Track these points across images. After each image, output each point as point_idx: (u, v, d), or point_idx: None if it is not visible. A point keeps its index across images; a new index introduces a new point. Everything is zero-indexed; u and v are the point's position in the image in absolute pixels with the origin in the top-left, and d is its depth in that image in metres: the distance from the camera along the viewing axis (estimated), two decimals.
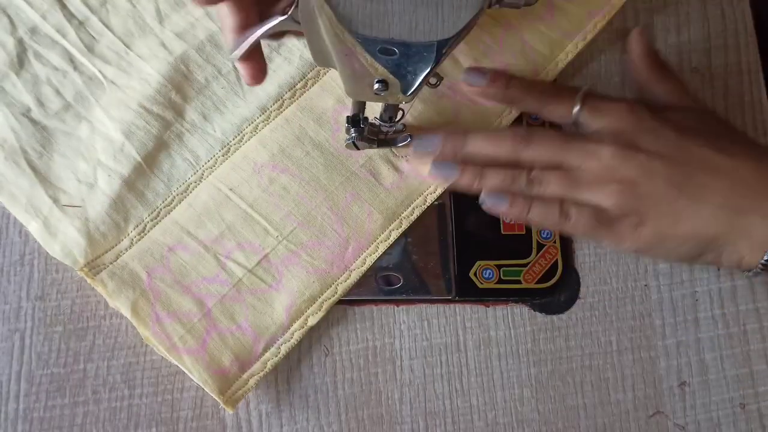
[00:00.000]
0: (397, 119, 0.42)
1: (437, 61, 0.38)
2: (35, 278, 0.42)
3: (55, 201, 0.42)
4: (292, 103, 0.45)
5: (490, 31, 0.47)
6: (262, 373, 0.40)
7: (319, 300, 0.42)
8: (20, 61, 0.44)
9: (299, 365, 0.42)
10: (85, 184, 0.43)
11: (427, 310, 0.44)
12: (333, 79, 0.46)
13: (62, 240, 0.41)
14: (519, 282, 0.44)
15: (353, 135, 0.42)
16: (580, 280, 0.44)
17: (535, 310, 0.44)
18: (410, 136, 0.44)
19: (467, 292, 0.44)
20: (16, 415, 0.40)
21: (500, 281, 0.44)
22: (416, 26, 0.34)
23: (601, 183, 0.40)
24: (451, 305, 0.44)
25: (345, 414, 0.42)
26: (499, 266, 0.44)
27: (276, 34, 0.39)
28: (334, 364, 0.42)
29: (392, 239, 0.43)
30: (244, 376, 0.40)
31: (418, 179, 0.44)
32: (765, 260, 0.38)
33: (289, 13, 0.37)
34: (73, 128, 0.44)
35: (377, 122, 0.43)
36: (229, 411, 0.39)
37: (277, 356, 0.41)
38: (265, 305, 0.42)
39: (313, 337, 0.43)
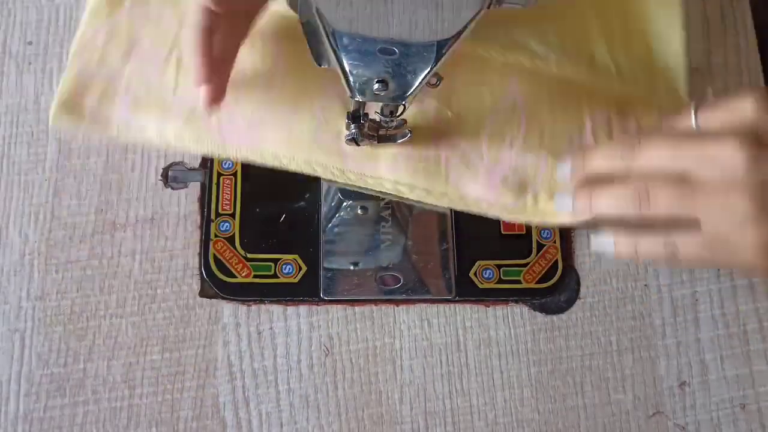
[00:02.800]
0: (398, 114, 0.42)
1: (437, 61, 0.38)
2: (35, 278, 0.42)
3: None
4: None
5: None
6: None
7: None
8: None
9: (299, 365, 0.42)
10: None
11: (427, 310, 0.44)
12: None
13: None
14: (519, 282, 0.44)
15: (353, 131, 0.42)
16: (580, 280, 0.44)
17: (535, 310, 0.44)
18: (410, 131, 0.44)
19: (467, 292, 0.44)
20: (16, 415, 0.40)
21: (500, 281, 0.44)
22: (416, 26, 0.34)
23: (727, 194, 0.33)
24: (451, 305, 0.44)
25: (345, 414, 0.42)
26: (499, 266, 0.44)
27: None
28: (334, 364, 0.42)
29: (290, 168, 0.42)
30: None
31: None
32: None
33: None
34: None
35: (378, 117, 0.43)
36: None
37: None
38: None
39: (313, 337, 0.43)
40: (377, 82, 0.37)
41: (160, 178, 0.45)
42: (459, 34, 0.36)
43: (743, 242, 0.33)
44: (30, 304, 0.42)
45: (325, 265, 0.43)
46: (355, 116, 0.42)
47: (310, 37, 0.37)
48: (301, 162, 0.42)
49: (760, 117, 0.33)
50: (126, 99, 0.42)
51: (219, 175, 0.45)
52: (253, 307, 0.43)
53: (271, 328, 0.43)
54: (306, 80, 0.43)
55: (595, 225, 0.37)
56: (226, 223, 0.44)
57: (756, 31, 0.49)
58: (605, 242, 0.37)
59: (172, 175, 0.45)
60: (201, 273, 0.43)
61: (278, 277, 0.43)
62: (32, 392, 0.41)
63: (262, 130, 0.43)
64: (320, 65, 0.39)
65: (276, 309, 0.43)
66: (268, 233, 0.44)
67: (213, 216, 0.44)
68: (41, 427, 0.40)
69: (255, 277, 0.43)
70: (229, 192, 0.45)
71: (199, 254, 0.44)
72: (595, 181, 0.37)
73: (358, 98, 0.40)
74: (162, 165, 0.45)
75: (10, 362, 0.41)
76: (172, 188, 0.45)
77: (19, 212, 0.44)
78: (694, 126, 0.35)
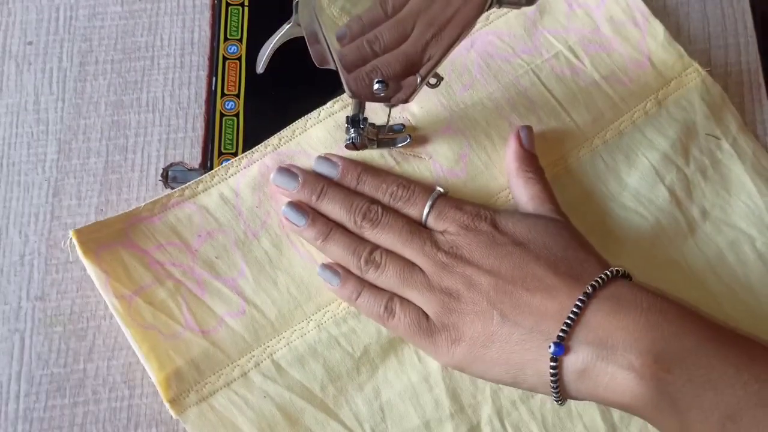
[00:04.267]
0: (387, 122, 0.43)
1: (437, 62, 0.38)
2: (35, 278, 0.42)
3: None
4: None
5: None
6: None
7: None
8: None
9: None
10: None
11: None
12: None
13: None
14: None
15: (353, 135, 0.42)
16: None
17: None
18: (410, 136, 0.44)
19: None
20: (16, 416, 0.40)
21: None
22: None
23: (428, 289, 0.39)
24: None
25: None
26: None
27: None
28: None
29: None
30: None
31: None
32: (555, 392, 0.36)
33: (293, 20, 0.37)
34: None
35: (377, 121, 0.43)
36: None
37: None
38: None
39: None
40: (377, 82, 0.37)
41: (159, 178, 0.45)
42: (459, 34, 0.36)
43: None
44: (30, 304, 0.42)
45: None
46: (355, 120, 0.42)
47: (310, 39, 0.37)
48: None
49: (468, 234, 0.40)
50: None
51: None
52: None
53: None
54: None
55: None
56: None
57: (756, 30, 0.49)
58: (331, 276, 0.41)
59: (171, 175, 0.45)
60: None
61: None
62: (32, 392, 0.41)
63: None
64: (321, 67, 0.39)
65: None
66: None
67: None
68: (41, 427, 0.40)
69: None
70: None
71: None
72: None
73: (358, 99, 0.40)
74: (162, 165, 0.45)
75: (10, 362, 0.41)
76: (172, 188, 0.45)
77: (19, 212, 0.44)
78: (423, 215, 0.41)
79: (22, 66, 0.47)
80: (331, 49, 0.37)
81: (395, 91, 0.38)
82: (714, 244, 0.44)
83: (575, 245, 0.39)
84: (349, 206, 0.41)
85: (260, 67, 0.40)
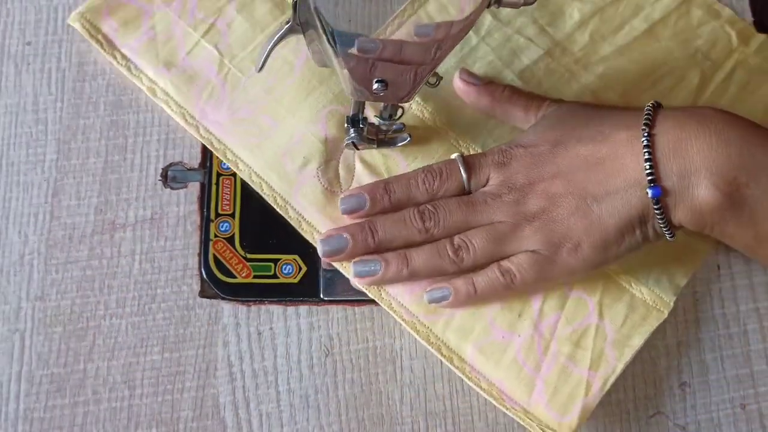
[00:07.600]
0: (396, 117, 0.42)
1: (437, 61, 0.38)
2: (35, 278, 0.42)
3: None
4: None
5: None
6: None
7: None
8: None
9: (299, 365, 0.42)
10: None
11: None
12: None
13: None
14: None
15: (353, 135, 0.42)
16: None
17: None
18: (410, 135, 0.44)
19: None
20: (16, 416, 0.40)
21: None
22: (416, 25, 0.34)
23: (519, 228, 0.39)
24: None
25: (345, 414, 0.42)
26: None
27: None
28: (334, 365, 0.42)
29: (239, 174, 0.44)
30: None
31: None
32: (667, 231, 0.38)
33: (292, 19, 0.37)
34: None
35: (377, 121, 0.43)
36: None
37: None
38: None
39: (313, 337, 0.43)
40: (377, 81, 0.37)
41: (159, 178, 0.45)
42: (459, 33, 0.36)
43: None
44: (30, 304, 0.42)
45: (325, 266, 0.43)
46: (354, 120, 0.42)
47: (309, 36, 0.37)
48: (251, 172, 0.43)
49: (508, 166, 0.40)
50: (142, 38, 0.45)
51: (219, 175, 0.45)
52: (253, 308, 0.43)
53: (271, 329, 0.43)
54: (303, 104, 0.44)
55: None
56: (226, 224, 0.44)
57: (756, 30, 0.49)
58: (441, 294, 0.41)
59: (171, 175, 0.45)
60: (201, 273, 0.43)
61: (278, 278, 0.43)
62: (32, 392, 0.41)
63: (236, 126, 0.43)
64: (320, 65, 0.39)
65: (276, 309, 0.43)
66: (268, 233, 0.44)
67: (212, 216, 0.44)
68: (41, 427, 0.40)
69: (255, 277, 0.43)
70: (228, 192, 0.45)
71: (199, 254, 0.44)
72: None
73: (358, 98, 0.40)
74: (161, 165, 0.45)
75: (11, 363, 0.41)
76: (172, 188, 0.45)
77: (19, 212, 0.44)
78: (464, 182, 0.41)
79: (20, 66, 0.47)
80: (330, 48, 0.36)
81: (395, 90, 0.38)
82: None
83: (595, 111, 0.41)
84: (403, 222, 0.40)
85: (259, 67, 0.40)
